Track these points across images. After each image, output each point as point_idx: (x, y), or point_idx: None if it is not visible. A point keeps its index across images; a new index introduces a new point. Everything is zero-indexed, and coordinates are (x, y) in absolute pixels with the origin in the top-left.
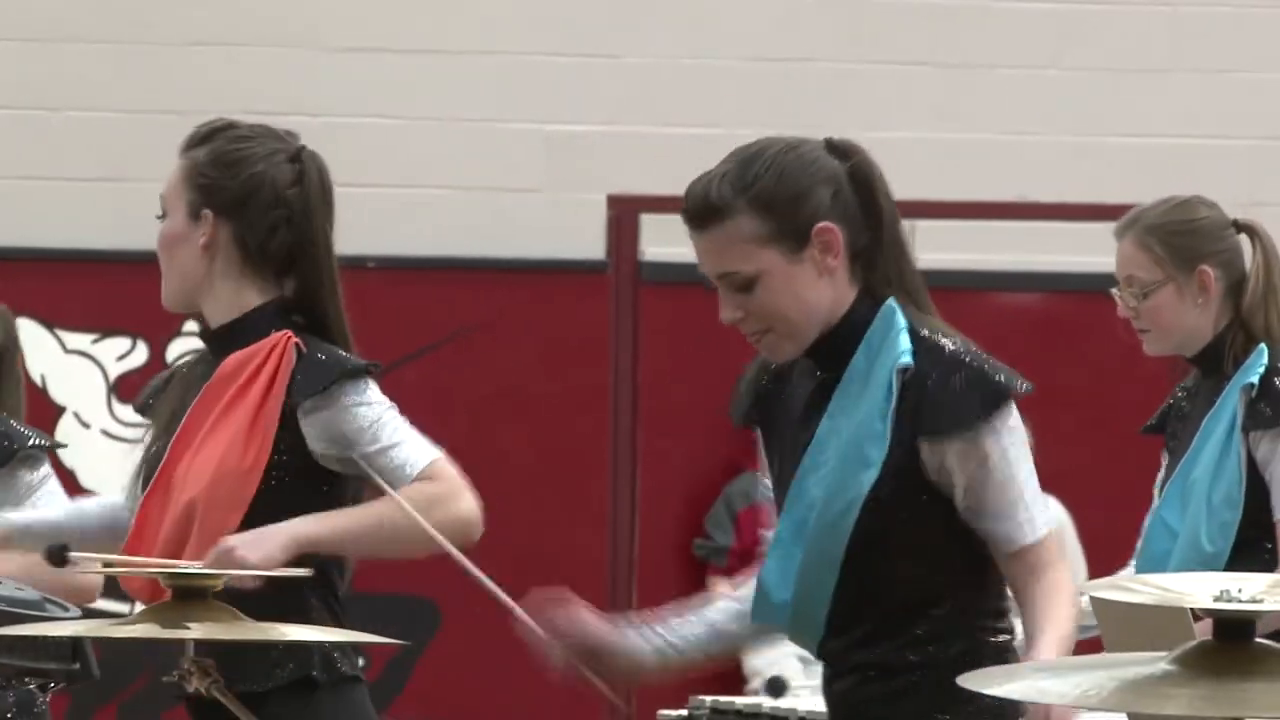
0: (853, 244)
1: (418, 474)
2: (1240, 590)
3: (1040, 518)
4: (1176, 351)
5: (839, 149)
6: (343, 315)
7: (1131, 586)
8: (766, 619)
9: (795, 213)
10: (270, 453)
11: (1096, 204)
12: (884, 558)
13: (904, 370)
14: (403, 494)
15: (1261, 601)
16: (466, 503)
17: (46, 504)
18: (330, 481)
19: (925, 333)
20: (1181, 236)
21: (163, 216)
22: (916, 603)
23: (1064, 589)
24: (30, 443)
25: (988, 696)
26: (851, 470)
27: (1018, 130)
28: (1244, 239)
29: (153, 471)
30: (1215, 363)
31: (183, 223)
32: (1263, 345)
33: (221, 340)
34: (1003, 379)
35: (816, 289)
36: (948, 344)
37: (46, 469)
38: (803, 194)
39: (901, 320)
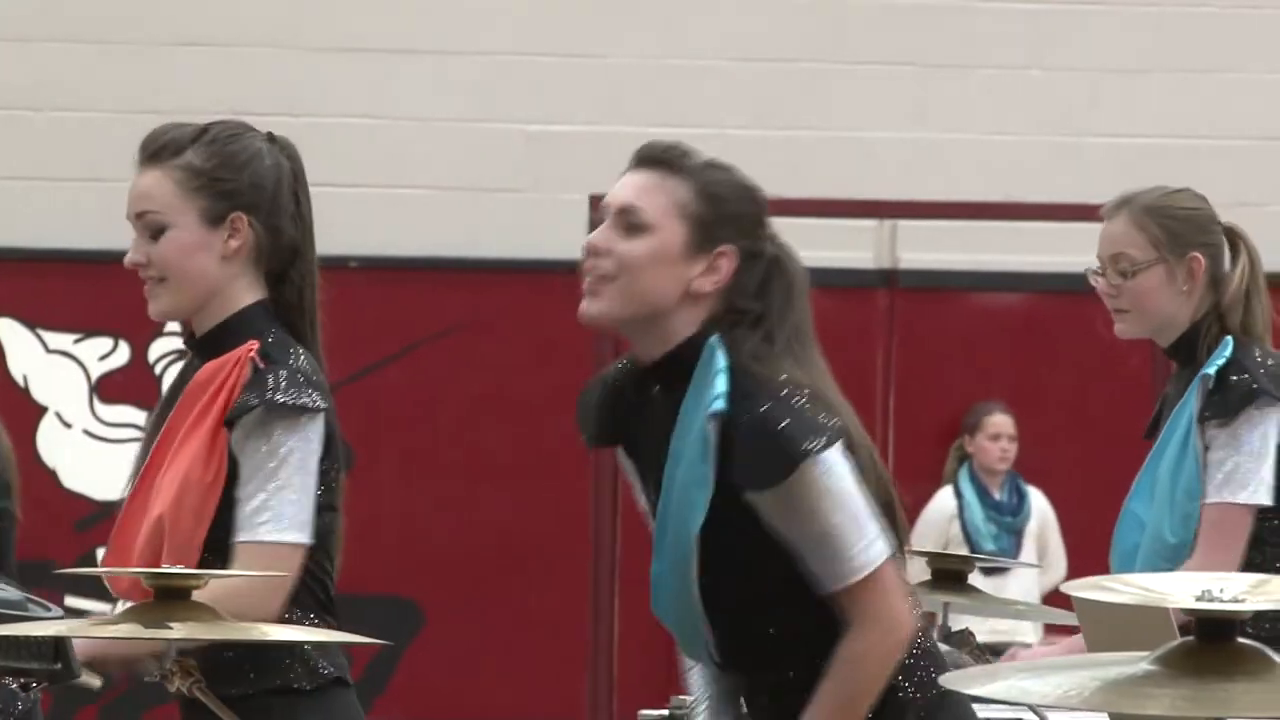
0: (731, 296)
1: (256, 544)
2: (1222, 590)
3: (853, 565)
4: (1151, 336)
5: (774, 239)
6: (317, 308)
7: (1113, 586)
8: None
9: (721, 222)
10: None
11: (1080, 204)
12: (730, 602)
13: (715, 416)
14: (221, 592)
15: (1243, 601)
16: (267, 610)
17: None
18: None
19: (749, 373)
20: (1178, 221)
21: (159, 231)
22: (780, 648)
23: (851, 660)
24: None
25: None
26: (684, 515)
27: (1000, 131)
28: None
29: (135, 479)
30: (1189, 354)
31: (197, 232)
32: (1229, 338)
33: (207, 346)
34: (801, 438)
35: (674, 288)
36: (763, 392)
37: None
38: (738, 219)
39: (721, 360)
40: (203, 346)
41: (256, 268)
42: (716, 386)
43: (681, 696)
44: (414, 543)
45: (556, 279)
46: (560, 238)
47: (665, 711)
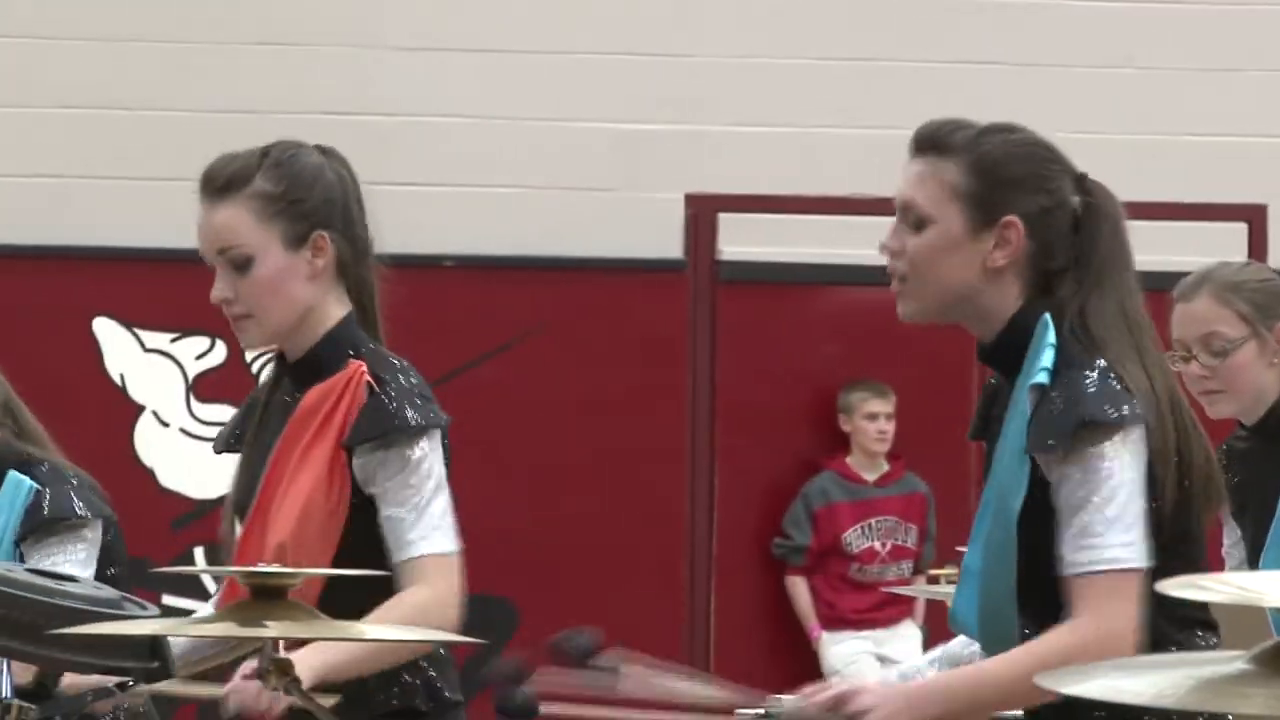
0: (1038, 259)
1: (417, 558)
2: None
3: (1095, 555)
4: (1240, 414)
5: (1082, 183)
6: (377, 302)
7: (1208, 585)
8: (968, 635)
9: (999, 191)
10: (350, 491)
11: (1169, 203)
12: (1042, 573)
13: (1036, 388)
14: (400, 608)
15: None
16: (452, 618)
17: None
18: None
19: (1075, 354)
20: (1262, 294)
21: (245, 265)
22: None
23: (1054, 647)
24: (70, 515)
25: None
26: (1008, 491)
27: (1087, 129)
28: None
29: (244, 508)
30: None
31: (282, 258)
32: None
33: (304, 370)
34: (1098, 410)
35: (970, 270)
36: (1081, 365)
37: (77, 543)
38: (1017, 183)
39: (1051, 336)
40: (301, 371)
41: (339, 282)
42: (1043, 360)
43: (778, 696)
44: (508, 541)
45: (652, 278)
46: (656, 237)
47: (762, 711)
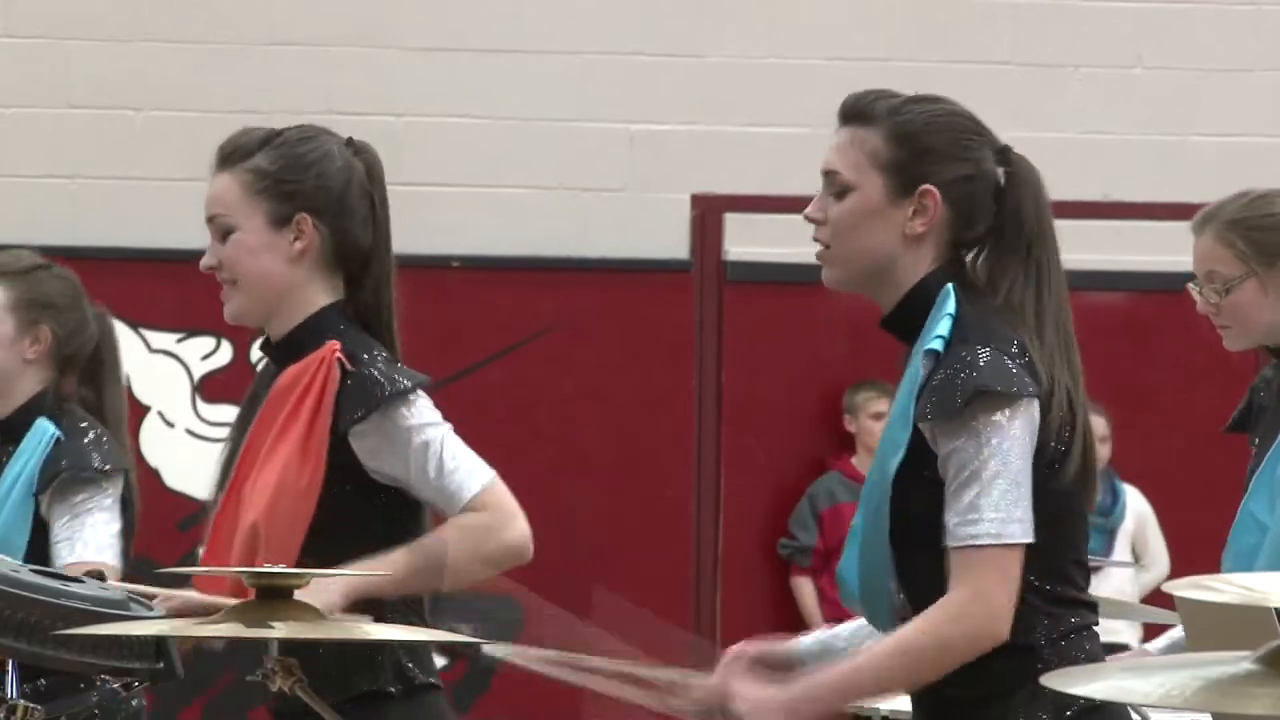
0: (955, 228)
1: (469, 501)
2: None
3: (978, 529)
4: (1258, 345)
5: (1005, 155)
6: (394, 311)
7: (1215, 585)
8: (849, 604)
9: (917, 160)
10: (325, 470)
11: (1180, 203)
12: (918, 544)
13: (930, 353)
14: (454, 526)
15: None
16: (518, 529)
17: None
18: (391, 495)
19: (971, 320)
20: (1263, 231)
21: (227, 234)
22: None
23: (924, 629)
24: (89, 468)
25: (1048, 691)
26: (886, 454)
27: (1101, 130)
28: None
29: (223, 485)
30: None
31: (263, 234)
32: None
33: (284, 351)
34: (993, 381)
35: (888, 237)
36: (980, 338)
37: (103, 495)
38: (936, 152)
39: (951, 305)
40: (280, 352)
41: (329, 270)
42: (939, 328)
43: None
44: None
45: (658, 278)
46: (662, 237)
47: None
